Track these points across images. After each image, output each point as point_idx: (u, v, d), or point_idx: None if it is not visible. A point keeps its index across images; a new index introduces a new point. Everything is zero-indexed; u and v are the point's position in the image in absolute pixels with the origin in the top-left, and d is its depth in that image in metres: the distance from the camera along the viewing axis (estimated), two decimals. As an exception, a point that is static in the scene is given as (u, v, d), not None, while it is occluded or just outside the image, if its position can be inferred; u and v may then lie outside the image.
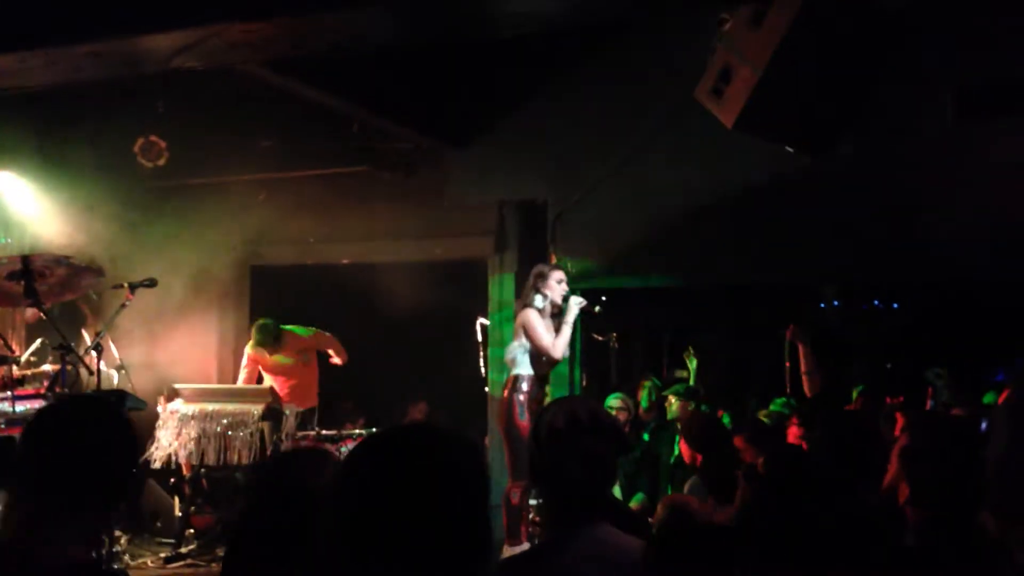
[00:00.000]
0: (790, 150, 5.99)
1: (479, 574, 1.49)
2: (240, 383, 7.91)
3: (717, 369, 9.06)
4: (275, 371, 7.92)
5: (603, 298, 6.80)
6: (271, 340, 7.82)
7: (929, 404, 6.63)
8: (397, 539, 1.42)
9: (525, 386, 6.03)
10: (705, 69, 5.70)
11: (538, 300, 6.17)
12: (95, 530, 2.17)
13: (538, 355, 6.12)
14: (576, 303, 6.22)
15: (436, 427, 1.57)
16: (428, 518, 1.43)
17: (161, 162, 7.51)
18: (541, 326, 6.12)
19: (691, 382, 7.91)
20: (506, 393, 6.09)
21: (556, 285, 6.22)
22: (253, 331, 7.93)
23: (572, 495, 2.40)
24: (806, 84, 5.46)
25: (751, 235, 7.08)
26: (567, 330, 6.16)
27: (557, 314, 6.23)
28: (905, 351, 9.33)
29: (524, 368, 6.08)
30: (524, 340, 6.11)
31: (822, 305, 10.04)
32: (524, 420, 5.88)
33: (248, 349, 8.00)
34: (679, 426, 6.77)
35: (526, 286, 6.31)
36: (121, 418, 2.26)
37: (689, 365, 8.29)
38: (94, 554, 2.20)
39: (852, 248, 6.84)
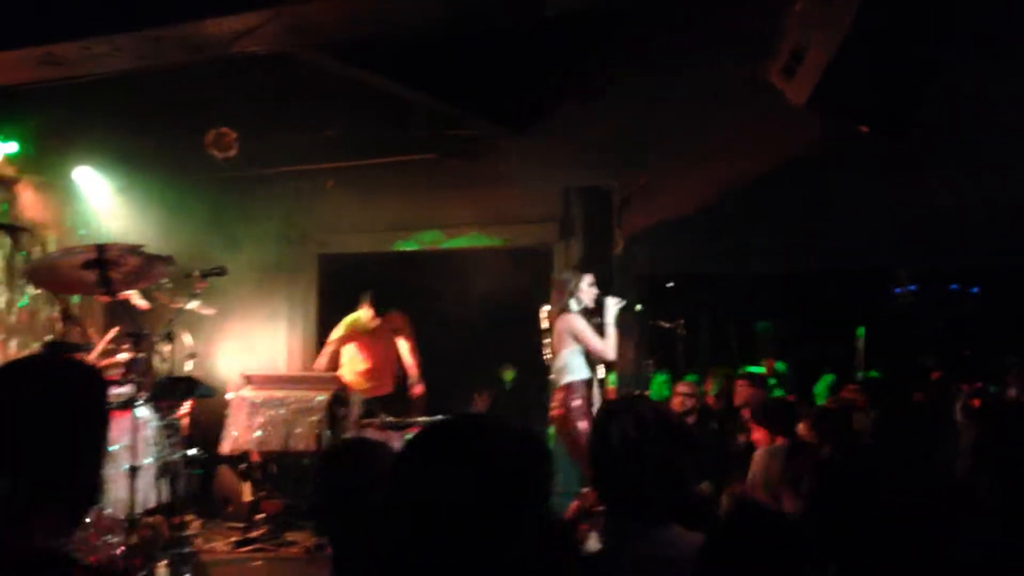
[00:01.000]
0: (864, 130, 5.84)
1: (536, 565, 1.45)
2: (323, 358, 7.93)
3: (786, 356, 8.90)
4: (367, 348, 7.86)
5: (669, 283, 6.74)
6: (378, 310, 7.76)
7: (1012, 392, 6.42)
8: (448, 530, 1.40)
9: (578, 393, 6.05)
10: (774, 48, 5.58)
11: (573, 304, 6.17)
12: (67, 515, 1.81)
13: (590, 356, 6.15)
14: (614, 303, 6.22)
15: (488, 416, 1.53)
16: (478, 508, 1.40)
17: (232, 153, 7.63)
18: (590, 330, 6.13)
19: (771, 382, 7.77)
20: (561, 405, 6.08)
21: (587, 288, 6.22)
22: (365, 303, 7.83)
23: (640, 501, 2.34)
24: (879, 61, 5.31)
25: (821, 219, 6.93)
26: (612, 331, 6.17)
27: (589, 314, 6.22)
28: (984, 337, 9.04)
29: (579, 373, 6.11)
30: (573, 345, 6.10)
31: (896, 290, 9.77)
32: (585, 425, 5.83)
33: (340, 328, 7.95)
34: (744, 413, 6.70)
35: (558, 293, 6.28)
36: (82, 374, 1.89)
37: (776, 367, 8.16)
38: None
39: (928, 230, 6.66)
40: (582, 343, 6.08)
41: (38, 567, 1.71)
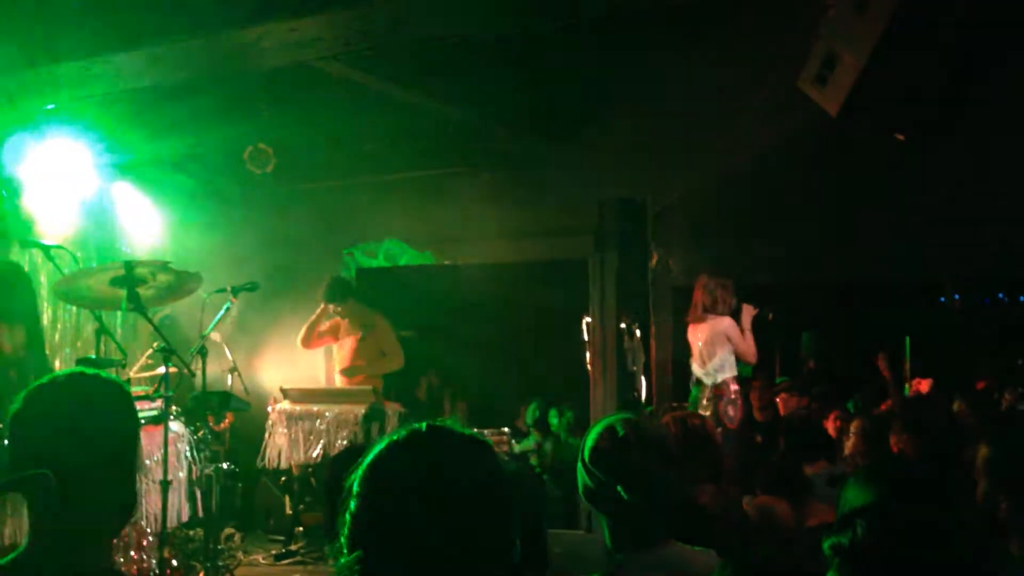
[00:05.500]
0: (900, 138, 5.73)
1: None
2: (303, 333, 7.71)
3: (830, 369, 8.75)
4: (343, 343, 7.63)
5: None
6: (337, 294, 7.48)
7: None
8: (411, 541, 1.41)
9: (734, 386, 6.71)
10: (807, 58, 5.50)
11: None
12: (111, 532, 1.84)
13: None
14: (750, 309, 6.84)
15: (447, 428, 1.51)
16: (439, 519, 1.40)
17: (269, 168, 7.71)
18: (740, 334, 6.75)
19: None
20: (712, 401, 6.68)
21: (732, 300, 6.84)
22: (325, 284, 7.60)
23: (626, 516, 2.29)
24: (914, 70, 5.21)
25: (861, 229, 6.82)
26: (749, 335, 6.84)
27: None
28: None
29: (731, 370, 6.76)
30: (728, 347, 6.73)
31: (942, 300, 9.55)
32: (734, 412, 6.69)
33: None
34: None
35: (712, 296, 6.82)
36: (116, 387, 1.90)
37: None
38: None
39: (971, 240, 6.52)
40: (735, 345, 6.73)
41: None
